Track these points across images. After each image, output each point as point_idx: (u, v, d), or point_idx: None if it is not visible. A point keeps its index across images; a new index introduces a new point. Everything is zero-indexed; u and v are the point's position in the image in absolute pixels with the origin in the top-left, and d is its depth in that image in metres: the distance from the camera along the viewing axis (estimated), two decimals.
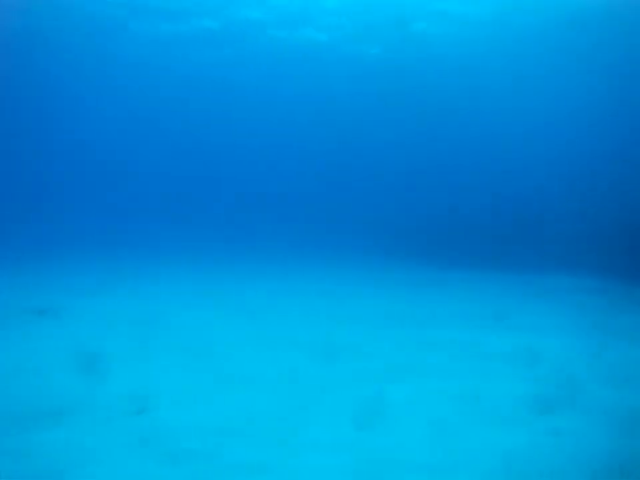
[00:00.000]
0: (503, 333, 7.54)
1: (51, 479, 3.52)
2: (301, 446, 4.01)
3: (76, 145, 31.76)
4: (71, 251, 17.09)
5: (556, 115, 20.81)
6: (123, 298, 9.86)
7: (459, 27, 19.41)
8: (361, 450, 3.97)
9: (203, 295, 10.28)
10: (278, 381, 5.42)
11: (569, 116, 20.20)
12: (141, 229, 22.81)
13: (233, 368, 5.82)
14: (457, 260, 15.53)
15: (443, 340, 7.13)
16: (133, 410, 4.58)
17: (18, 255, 15.61)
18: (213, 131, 30.92)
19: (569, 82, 20.72)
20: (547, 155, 19.98)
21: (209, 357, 6.20)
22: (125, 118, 30.03)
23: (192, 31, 20.77)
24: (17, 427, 4.29)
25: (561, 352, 6.60)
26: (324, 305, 9.50)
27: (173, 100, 27.86)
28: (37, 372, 5.57)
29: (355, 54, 22.04)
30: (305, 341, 6.98)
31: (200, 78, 25.27)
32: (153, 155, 32.85)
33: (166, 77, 25.26)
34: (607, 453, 4.01)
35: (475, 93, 22.92)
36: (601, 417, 4.66)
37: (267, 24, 19.90)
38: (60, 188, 30.54)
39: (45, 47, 22.70)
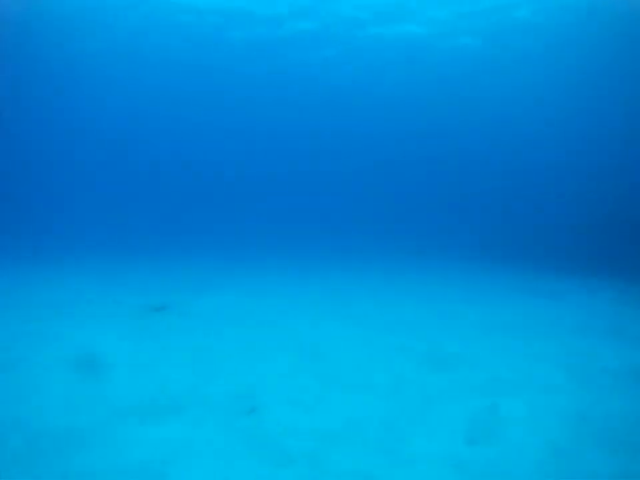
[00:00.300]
0: (620, 347, 7.05)
1: (157, 472, 3.72)
2: (407, 457, 4.01)
3: (174, 152, 33.55)
4: (184, 249, 18.25)
5: None
6: (235, 296, 10.30)
7: (564, 15, 18.26)
8: (468, 465, 3.91)
9: (311, 297, 10.50)
10: (385, 388, 5.43)
11: None
12: (246, 229, 23.78)
13: (341, 372, 5.91)
14: (571, 268, 14.72)
15: (556, 353, 6.82)
16: (243, 409, 4.78)
17: (134, 254, 16.95)
18: (317, 131, 31.27)
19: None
20: None
21: (317, 360, 6.32)
22: (227, 123, 31.14)
23: (289, 34, 21.21)
24: (134, 419, 4.56)
25: None
26: (433, 310, 9.39)
27: (275, 104, 28.44)
28: (154, 367, 5.91)
29: (456, 46, 21.44)
30: (413, 348, 6.94)
31: (301, 81, 25.67)
32: (258, 158, 33.81)
33: (266, 82, 25.90)
34: None
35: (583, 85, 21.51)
36: None
37: (366, 21, 19.87)
38: (174, 190, 32.64)
39: (139, 58, 24.09)
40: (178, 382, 5.46)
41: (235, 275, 13.02)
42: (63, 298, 9.75)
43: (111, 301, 9.58)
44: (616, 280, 12.96)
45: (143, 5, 19.19)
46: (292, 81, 25.56)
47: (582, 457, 4.08)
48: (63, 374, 5.63)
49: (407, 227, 25.81)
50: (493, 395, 5.30)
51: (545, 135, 24.20)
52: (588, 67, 20.72)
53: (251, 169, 33.72)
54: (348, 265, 16.43)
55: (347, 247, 20.71)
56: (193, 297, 10.06)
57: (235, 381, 5.54)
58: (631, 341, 7.43)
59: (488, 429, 4.52)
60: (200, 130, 31.50)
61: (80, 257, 16.34)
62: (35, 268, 13.65)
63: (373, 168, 32.11)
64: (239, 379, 5.59)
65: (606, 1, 16.97)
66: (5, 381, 5.34)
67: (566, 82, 21.71)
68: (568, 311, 9.60)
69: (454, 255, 18.45)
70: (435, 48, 21.52)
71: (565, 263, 15.40)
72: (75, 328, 7.56)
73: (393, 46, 21.54)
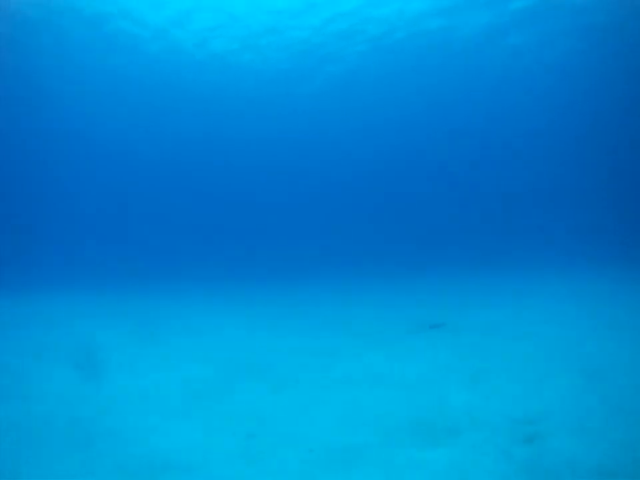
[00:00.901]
0: None
1: None
2: None
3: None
4: (455, 266, 18.47)
5: None
6: (512, 312, 9.96)
7: None
8: None
9: (582, 308, 9.72)
10: None
11: None
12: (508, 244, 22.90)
13: (629, 398, 5.23)
14: None
15: None
16: (522, 436, 4.54)
17: (407, 273, 17.78)
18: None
19: None
20: None
21: (603, 382, 5.73)
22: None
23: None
24: (410, 441, 4.59)
25: None
26: None
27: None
28: (431, 387, 5.95)
29: None
30: None
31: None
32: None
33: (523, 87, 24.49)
34: None
35: None
36: None
37: None
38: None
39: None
40: (455, 403, 5.42)
41: (507, 291, 12.56)
42: (339, 316, 10.72)
43: (388, 319, 10.10)
44: None
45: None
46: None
47: None
48: (338, 391, 6.00)
49: None
50: None
51: None
52: None
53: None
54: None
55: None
56: (469, 314, 9.99)
57: (514, 403, 5.30)
58: None
59: None
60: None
61: (357, 276, 17.94)
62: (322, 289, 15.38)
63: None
64: (519, 402, 5.32)
65: None
66: (282, 399, 5.88)
67: None
68: None
69: None
70: None
71: None
72: (352, 346, 8.14)
73: None
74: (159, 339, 9.43)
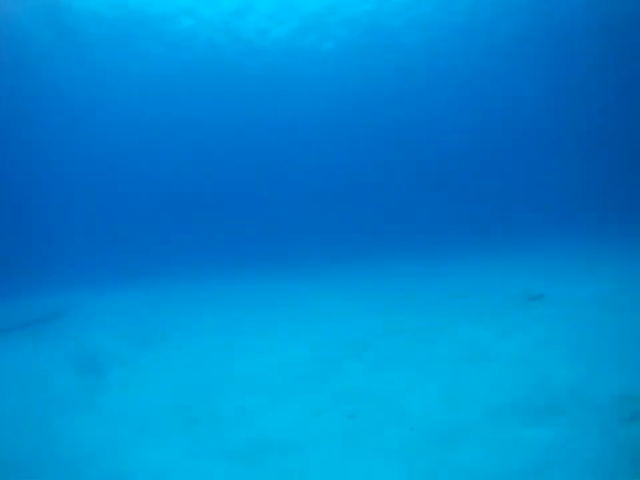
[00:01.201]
0: None
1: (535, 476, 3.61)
2: None
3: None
4: (550, 235, 17.53)
5: None
6: (607, 285, 9.20)
7: None
8: None
9: None
10: None
11: None
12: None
13: None
14: None
15: None
16: (626, 414, 4.29)
17: (501, 245, 17.03)
18: None
19: None
20: None
21: None
22: None
23: None
24: (511, 419, 4.46)
25: None
26: None
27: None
28: (532, 362, 5.67)
29: None
30: None
31: None
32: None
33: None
34: None
35: None
36: None
37: None
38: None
39: None
40: (558, 379, 5.15)
41: (607, 261, 11.53)
42: (435, 293, 10.42)
43: (485, 293, 9.69)
44: None
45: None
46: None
47: None
48: (438, 370, 5.88)
49: None
50: None
51: None
52: None
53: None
54: None
55: None
56: (569, 284, 9.40)
57: (618, 380, 4.95)
58: None
59: None
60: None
61: (449, 251, 17.45)
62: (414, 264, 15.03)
63: None
64: (622, 378, 4.96)
65: None
66: (383, 378, 5.84)
67: None
68: None
69: None
70: None
71: None
72: (450, 322, 7.88)
73: None
74: (261, 324, 9.57)
